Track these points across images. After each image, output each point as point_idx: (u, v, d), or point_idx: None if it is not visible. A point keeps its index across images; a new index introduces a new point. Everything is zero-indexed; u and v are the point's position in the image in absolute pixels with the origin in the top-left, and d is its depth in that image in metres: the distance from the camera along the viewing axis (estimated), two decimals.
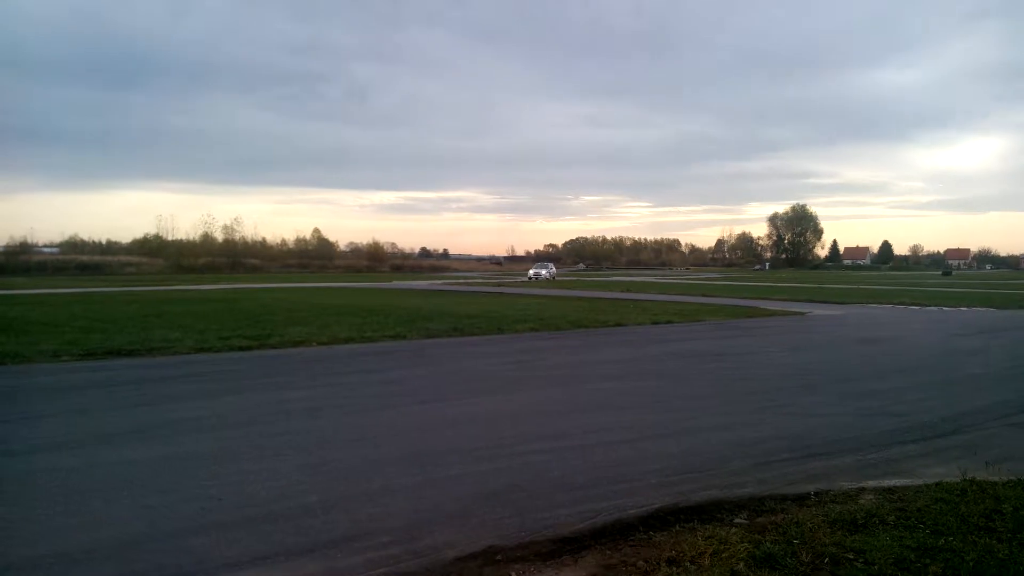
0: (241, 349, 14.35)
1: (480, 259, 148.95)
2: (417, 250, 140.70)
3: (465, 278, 69.69)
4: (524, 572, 4.36)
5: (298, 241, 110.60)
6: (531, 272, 72.69)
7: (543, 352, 15.27)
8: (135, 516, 5.17)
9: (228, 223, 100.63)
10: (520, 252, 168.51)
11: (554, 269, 76.78)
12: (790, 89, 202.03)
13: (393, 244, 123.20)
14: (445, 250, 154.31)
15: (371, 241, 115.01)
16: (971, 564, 4.31)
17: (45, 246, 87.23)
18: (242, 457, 6.76)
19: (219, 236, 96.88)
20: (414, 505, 5.50)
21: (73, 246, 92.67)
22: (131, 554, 4.52)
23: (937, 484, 5.95)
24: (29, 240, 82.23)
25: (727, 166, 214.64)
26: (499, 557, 4.53)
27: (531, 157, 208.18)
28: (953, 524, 4.98)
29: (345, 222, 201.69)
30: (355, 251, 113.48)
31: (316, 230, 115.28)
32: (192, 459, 6.66)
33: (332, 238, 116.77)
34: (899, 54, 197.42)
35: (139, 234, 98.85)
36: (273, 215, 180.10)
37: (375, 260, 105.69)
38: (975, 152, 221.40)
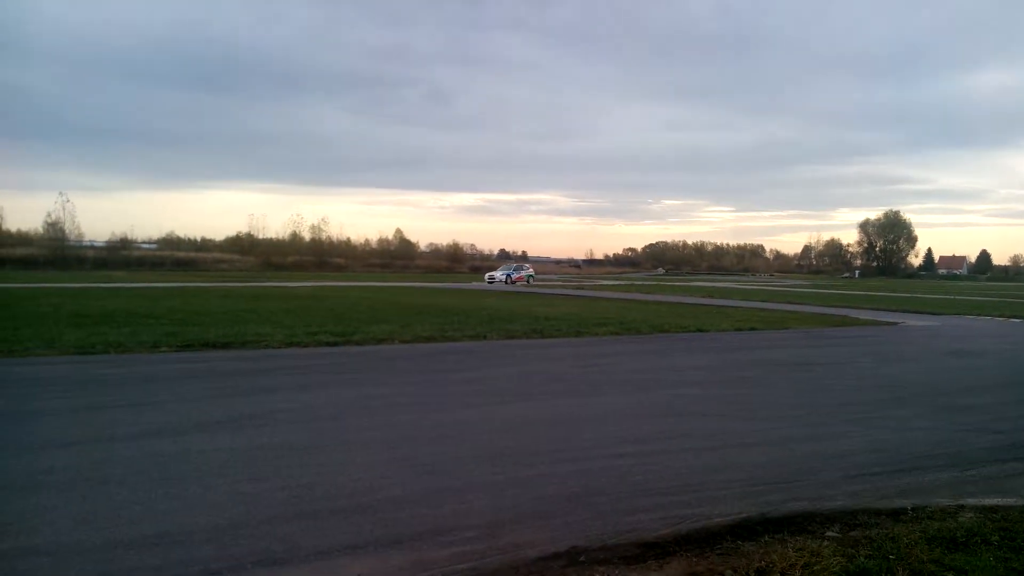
0: (328, 345, 14.76)
1: (558, 262, 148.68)
2: (496, 251, 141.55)
3: (544, 280, 69.68)
4: (608, 575, 4.34)
5: (381, 241, 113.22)
6: (487, 275, 63.67)
7: (623, 356, 15.15)
8: (230, 501, 5.39)
9: (315, 223, 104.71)
10: (599, 255, 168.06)
11: (530, 270, 67.32)
12: (882, 92, 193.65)
13: (472, 245, 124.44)
14: (524, 252, 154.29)
15: (451, 242, 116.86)
16: None
17: (144, 242, 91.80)
18: (331, 449, 6.97)
19: (307, 235, 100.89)
20: (496, 503, 5.56)
21: (169, 243, 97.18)
22: (227, 538, 4.71)
23: None
24: (129, 236, 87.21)
25: (814, 170, 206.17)
26: (582, 558, 4.52)
27: (611, 160, 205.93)
28: None
29: (425, 223, 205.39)
30: (435, 252, 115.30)
31: (398, 231, 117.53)
32: (284, 449, 6.88)
33: (413, 238, 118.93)
34: (999, 55, 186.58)
35: (231, 232, 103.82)
36: (357, 215, 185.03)
37: (454, 261, 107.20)
38: None
